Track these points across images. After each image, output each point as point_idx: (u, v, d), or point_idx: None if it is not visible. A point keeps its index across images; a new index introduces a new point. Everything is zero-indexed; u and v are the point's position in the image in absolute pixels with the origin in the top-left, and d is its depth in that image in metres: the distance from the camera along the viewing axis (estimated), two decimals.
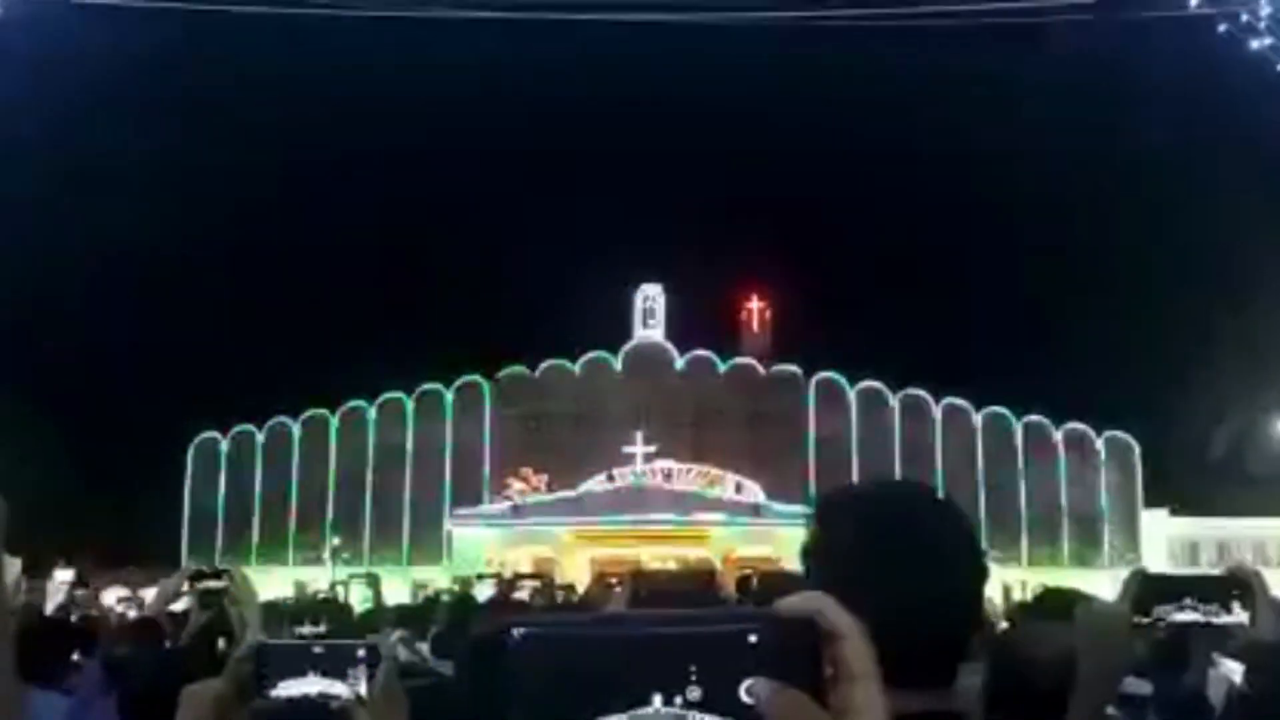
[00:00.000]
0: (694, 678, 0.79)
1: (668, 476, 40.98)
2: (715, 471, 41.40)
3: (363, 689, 1.59)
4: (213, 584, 4.70)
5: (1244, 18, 25.22)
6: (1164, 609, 1.90)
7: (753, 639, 0.80)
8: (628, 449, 41.28)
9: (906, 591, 1.36)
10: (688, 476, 41.28)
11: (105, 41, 28.05)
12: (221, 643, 3.66)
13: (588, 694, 0.78)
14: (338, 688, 1.58)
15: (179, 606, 5.41)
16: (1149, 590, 1.93)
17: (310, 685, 1.57)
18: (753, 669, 0.79)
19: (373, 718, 1.58)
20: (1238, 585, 1.92)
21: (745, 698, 0.79)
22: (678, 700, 0.79)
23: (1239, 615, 1.88)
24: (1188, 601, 1.90)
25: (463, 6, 26.18)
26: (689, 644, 0.80)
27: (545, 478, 40.81)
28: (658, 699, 0.78)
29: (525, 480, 40.85)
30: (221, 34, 29.21)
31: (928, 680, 1.37)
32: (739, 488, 40.55)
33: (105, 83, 33.50)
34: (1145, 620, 1.90)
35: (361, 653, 1.61)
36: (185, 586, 5.01)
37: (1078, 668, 2.00)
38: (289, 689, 1.56)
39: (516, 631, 0.80)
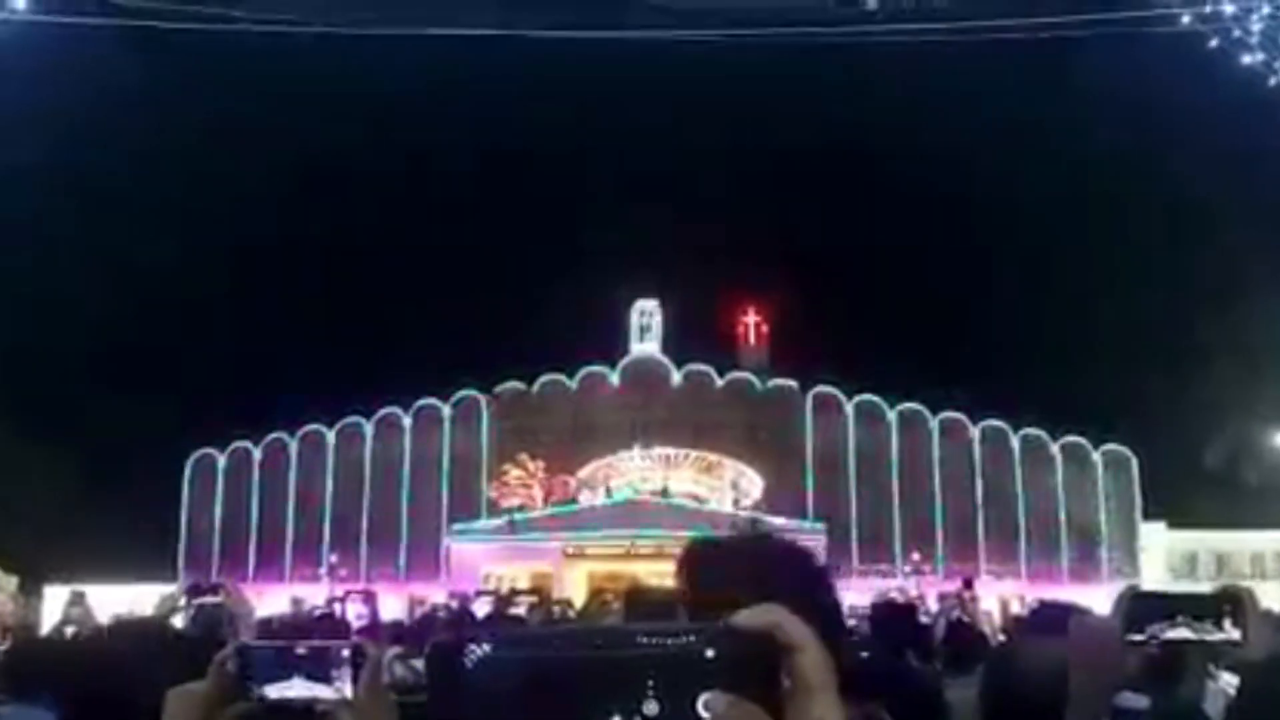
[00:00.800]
0: (651, 692, 0.79)
1: (667, 462, 41.06)
2: (712, 457, 41.46)
3: (348, 690, 1.58)
4: (209, 599, 4.69)
5: (1235, 33, 25.33)
6: (1156, 626, 1.90)
7: (709, 653, 0.80)
8: (625, 464, 41.30)
9: None
10: (686, 462, 41.30)
11: (110, 52, 28.12)
12: None
13: (545, 712, 0.79)
14: (322, 690, 1.57)
15: (174, 624, 5.40)
16: (1141, 607, 1.93)
17: (294, 689, 1.56)
18: (710, 683, 0.80)
19: (358, 718, 1.57)
20: (1229, 602, 1.93)
21: (702, 712, 0.79)
22: (635, 717, 0.79)
23: (1231, 632, 1.89)
24: (1180, 619, 1.91)
25: (461, 19, 26.25)
26: (646, 659, 0.80)
27: (541, 464, 40.81)
28: (616, 717, 0.79)
29: (524, 467, 40.79)
30: (221, 39, 29.23)
31: None
32: (736, 484, 40.48)
33: (103, 92, 33.52)
34: (1138, 638, 1.91)
35: (346, 653, 1.60)
36: (183, 601, 5.00)
37: (1070, 682, 2.01)
38: (273, 692, 1.55)
39: (474, 650, 0.81)
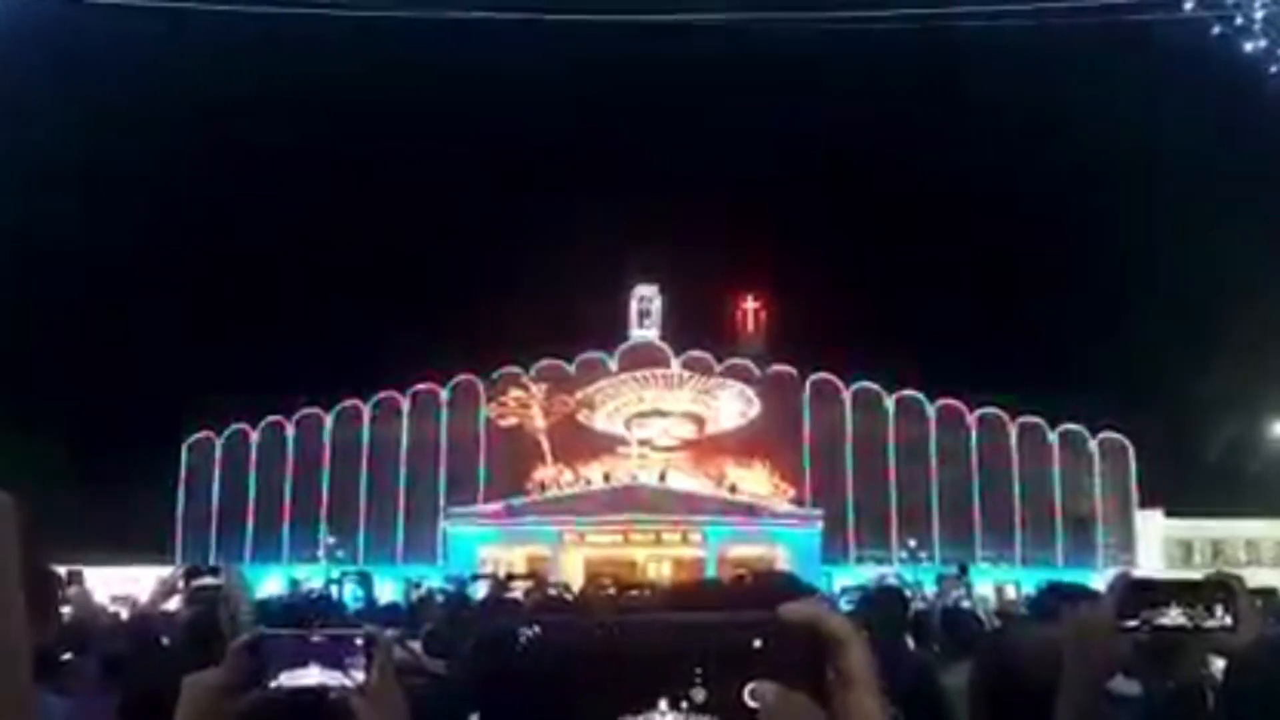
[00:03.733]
0: (698, 680, 0.81)
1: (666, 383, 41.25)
2: (710, 381, 41.49)
3: (361, 678, 1.60)
4: (208, 580, 4.72)
5: (1238, 20, 25.29)
6: (1149, 613, 1.92)
7: (757, 643, 0.82)
8: (623, 449, 41.38)
9: None
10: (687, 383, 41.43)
11: (110, 44, 28.07)
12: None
13: (594, 697, 0.80)
14: (337, 677, 1.59)
15: (171, 605, 5.43)
16: (1134, 594, 1.95)
17: (309, 676, 1.58)
18: (756, 672, 0.81)
19: (371, 706, 1.60)
20: (1221, 589, 1.95)
21: (749, 700, 0.81)
22: (683, 704, 0.81)
23: (1223, 619, 1.91)
24: (1173, 605, 1.92)
25: (461, 7, 26.19)
26: (694, 648, 0.82)
27: (543, 386, 41.13)
28: (663, 703, 0.80)
29: (524, 387, 41.13)
30: (218, 33, 29.17)
31: None
32: (732, 489, 40.47)
33: (97, 83, 33.45)
34: (1131, 624, 1.93)
35: (360, 641, 1.63)
36: (181, 584, 5.02)
37: (1064, 667, 2.02)
38: (288, 679, 1.58)
39: (525, 633, 0.82)
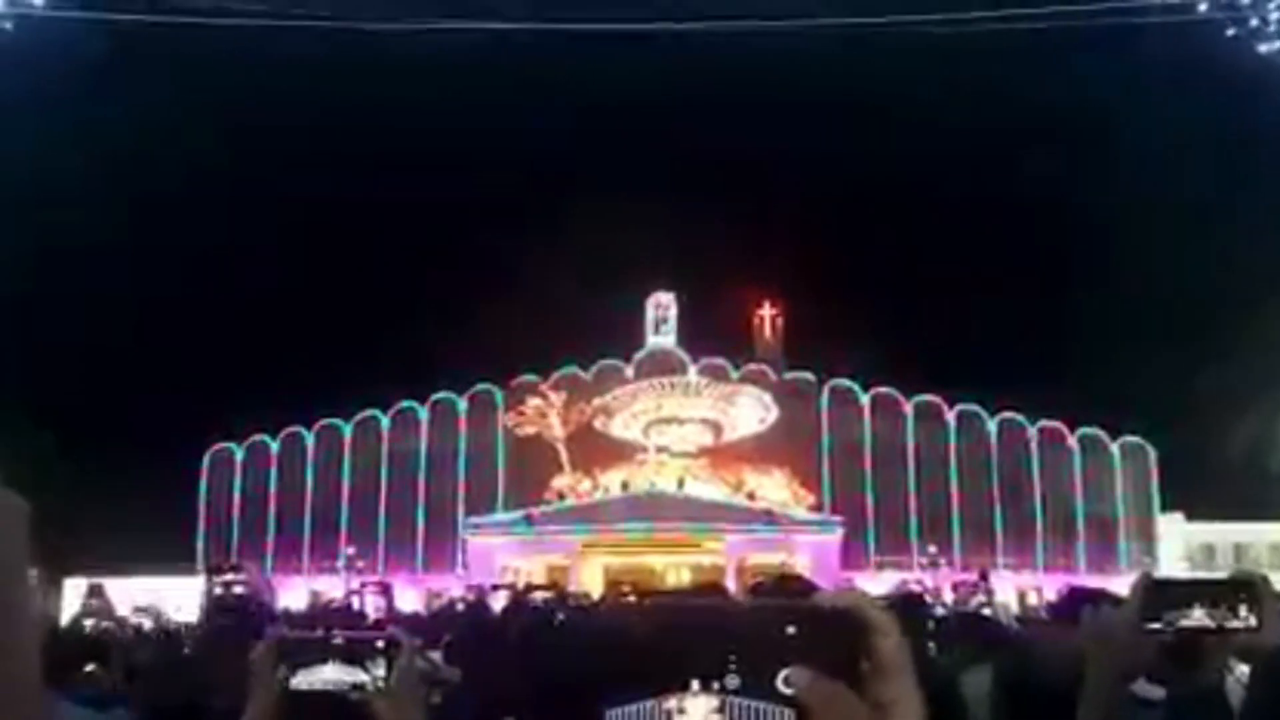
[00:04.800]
0: (732, 666, 0.81)
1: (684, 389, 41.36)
2: (727, 387, 41.55)
3: (382, 680, 1.61)
4: (231, 577, 4.76)
5: (1253, 21, 25.17)
6: (1172, 614, 1.90)
7: (790, 630, 0.82)
8: (641, 456, 41.33)
9: None
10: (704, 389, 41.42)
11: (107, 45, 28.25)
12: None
13: (626, 677, 0.80)
14: (357, 675, 1.60)
15: (192, 618, 5.45)
16: (1157, 595, 1.93)
17: (329, 673, 1.59)
18: (790, 659, 0.81)
19: (391, 708, 1.60)
20: (1244, 588, 1.92)
21: (782, 687, 0.81)
22: (715, 687, 0.81)
23: (1247, 618, 1.89)
24: (1196, 605, 1.90)
25: (473, 14, 26.30)
26: (728, 634, 0.82)
27: (563, 394, 40.91)
28: (695, 684, 0.81)
29: (542, 396, 41.00)
30: (220, 33, 29.31)
31: None
32: (750, 496, 40.36)
33: (105, 83, 33.66)
34: (1155, 625, 1.91)
35: (381, 644, 1.63)
36: (204, 580, 5.05)
37: (1086, 670, 2.01)
38: (309, 678, 1.59)
39: (562, 615, 0.83)
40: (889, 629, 0.84)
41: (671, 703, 0.80)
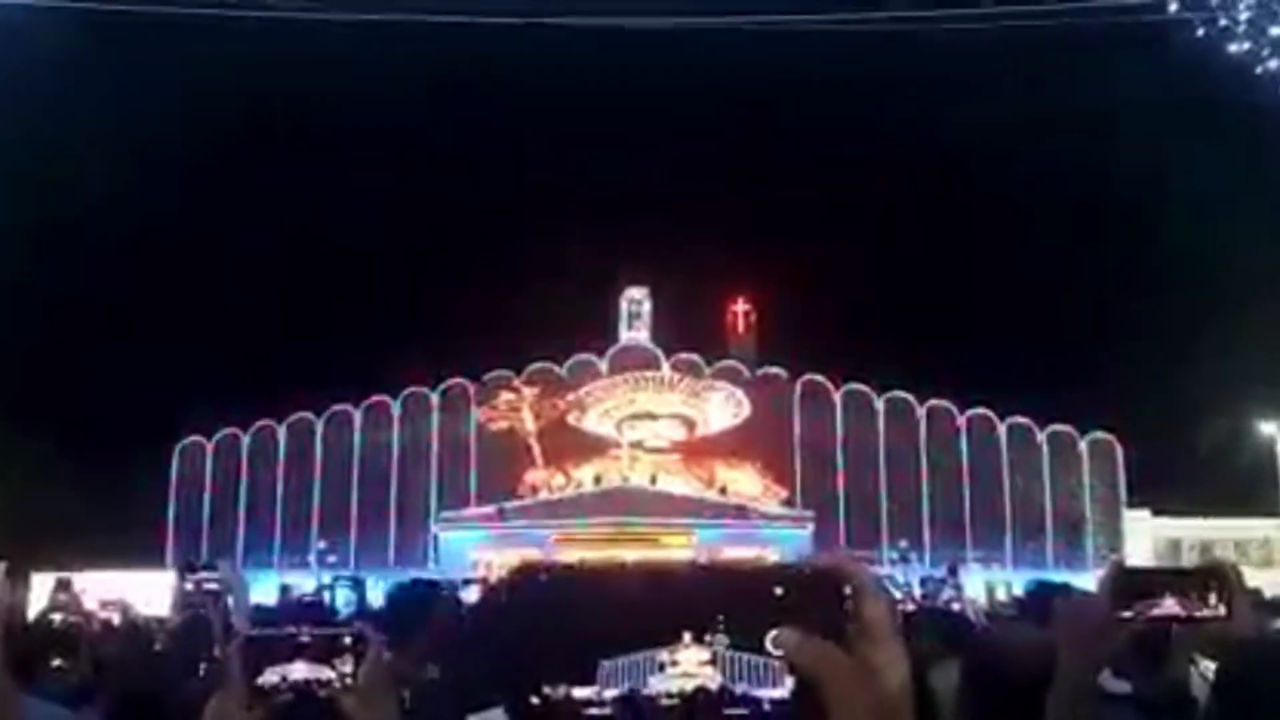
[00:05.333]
0: (720, 626, 0.81)
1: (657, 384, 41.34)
2: (698, 384, 41.47)
3: (349, 675, 1.60)
4: (205, 574, 4.73)
5: (1222, 22, 25.37)
6: (1143, 603, 1.91)
7: (778, 591, 0.82)
8: (614, 451, 41.34)
9: None
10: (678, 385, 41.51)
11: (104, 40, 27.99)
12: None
13: (619, 630, 0.81)
14: (325, 672, 1.59)
15: (164, 613, 5.41)
16: (1128, 584, 1.94)
17: (297, 671, 1.58)
18: (776, 620, 0.81)
19: (360, 705, 1.59)
20: (1214, 577, 1.94)
21: (770, 647, 0.81)
22: (706, 641, 0.82)
23: (1217, 608, 1.90)
24: (1167, 594, 1.92)
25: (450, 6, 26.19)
26: (715, 594, 0.82)
27: (534, 389, 40.85)
28: (687, 636, 0.82)
29: (515, 390, 40.83)
30: (213, 23, 29.09)
31: None
32: (722, 491, 40.44)
33: (87, 72, 33.33)
34: (1126, 614, 1.92)
35: (348, 640, 1.62)
36: (175, 578, 5.02)
37: (1057, 661, 2.02)
38: (276, 675, 1.58)
39: (548, 575, 0.83)
40: (874, 590, 0.85)
41: (664, 655, 0.81)
